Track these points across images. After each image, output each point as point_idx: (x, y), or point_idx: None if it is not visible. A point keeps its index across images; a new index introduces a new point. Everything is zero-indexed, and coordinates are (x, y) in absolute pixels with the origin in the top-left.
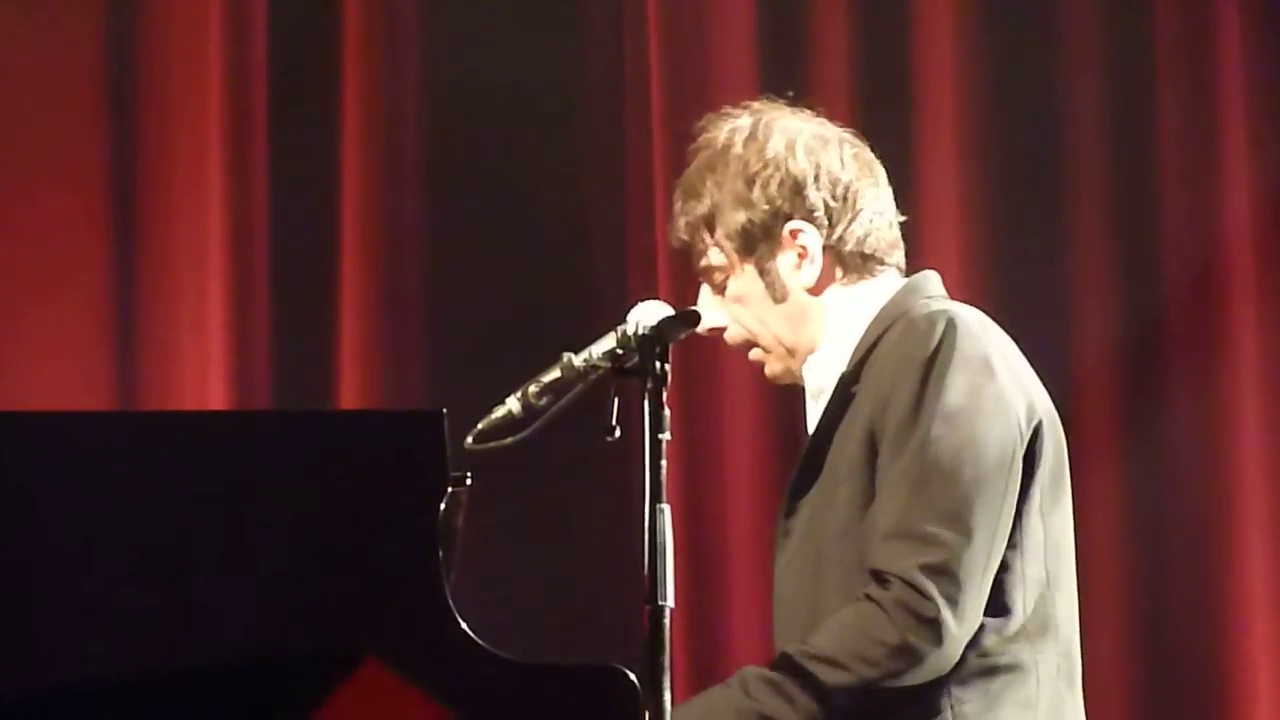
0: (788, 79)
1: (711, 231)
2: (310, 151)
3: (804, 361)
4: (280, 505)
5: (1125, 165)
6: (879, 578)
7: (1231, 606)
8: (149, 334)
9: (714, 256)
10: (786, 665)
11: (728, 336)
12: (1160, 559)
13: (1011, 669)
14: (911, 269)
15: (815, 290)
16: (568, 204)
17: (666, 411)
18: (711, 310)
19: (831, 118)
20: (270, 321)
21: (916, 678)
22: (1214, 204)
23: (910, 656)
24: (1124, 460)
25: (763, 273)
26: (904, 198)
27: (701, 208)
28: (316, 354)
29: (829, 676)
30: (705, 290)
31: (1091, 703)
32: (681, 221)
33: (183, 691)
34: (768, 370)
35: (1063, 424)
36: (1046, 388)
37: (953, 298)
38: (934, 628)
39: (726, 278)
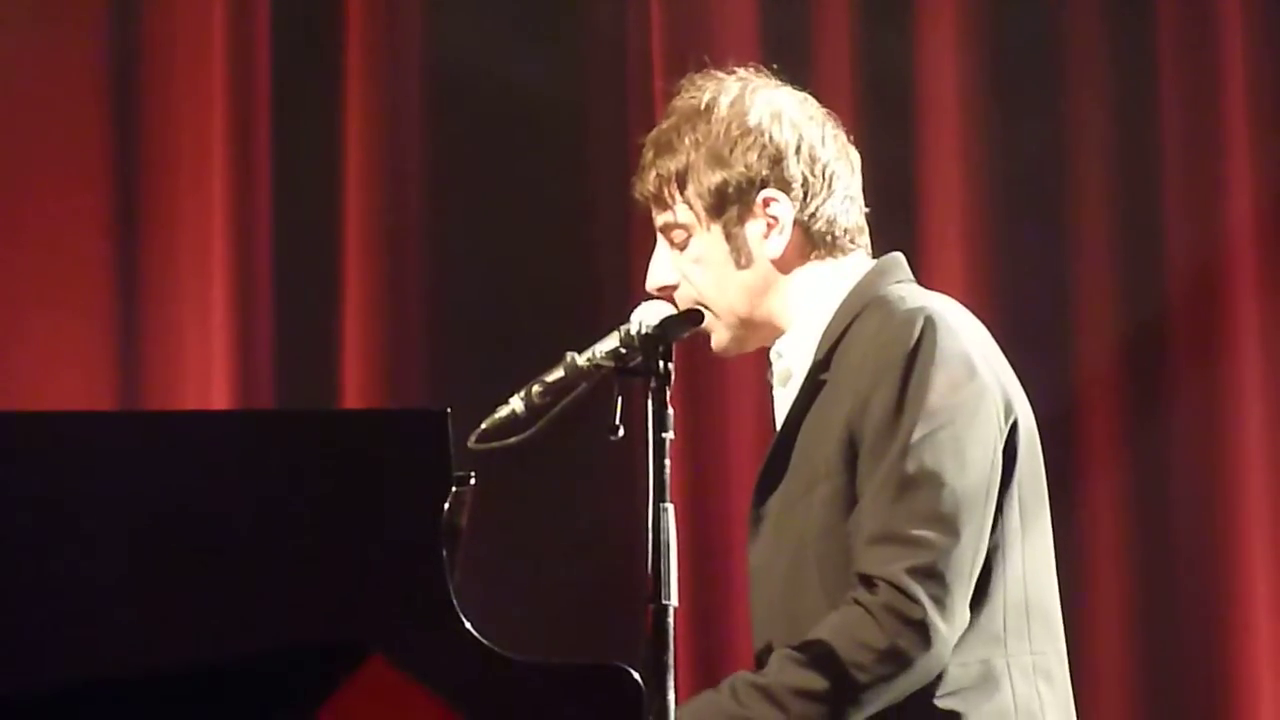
0: (791, 73)
1: (682, 188)
2: (313, 151)
3: (755, 335)
4: (284, 505)
5: (1128, 165)
6: (866, 582)
7: (1235, 606)
8: (152, 334)
9: (681, 214)
10: (776, 671)
11: (678, 295)
12: (1164, 559)
13: (984, 669)
14: (912, 266)
15: (780, 262)
16: (570, 200)
17: (670, 410)
18: (666, 268)
19: (834, 113)
20: (273, 321)
21: (907, 681)
22: (1216, 205)
23: (899, 660)
24: (1128, 460)
25: (729, 236)
26: (906, 192)
27: (675, 163)
28: (319, 353)
29: (818, 683)
30: (662, 245)
31: (1094, 703)
32: (651, 174)
33: (186, 691)
34: (715, 340)
35: (1066, 423)
36: (1048, 387)
37: (956, 296)
38: (922, 630)
39: (689, 237)
